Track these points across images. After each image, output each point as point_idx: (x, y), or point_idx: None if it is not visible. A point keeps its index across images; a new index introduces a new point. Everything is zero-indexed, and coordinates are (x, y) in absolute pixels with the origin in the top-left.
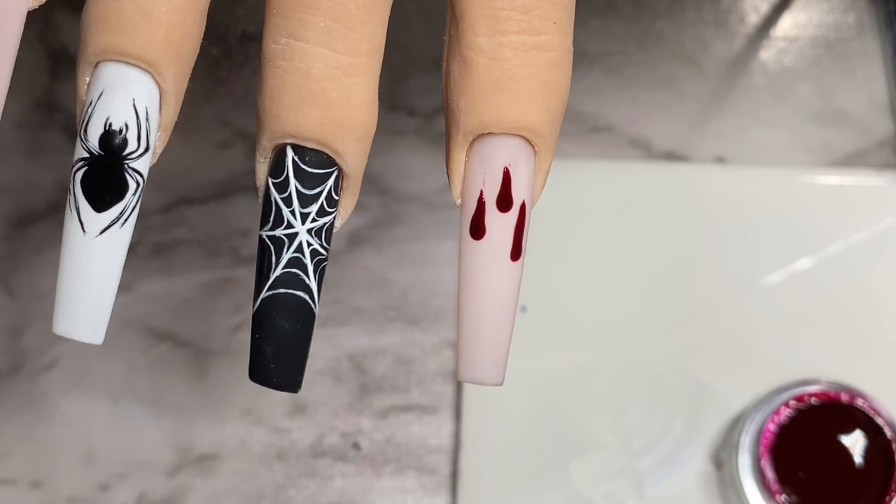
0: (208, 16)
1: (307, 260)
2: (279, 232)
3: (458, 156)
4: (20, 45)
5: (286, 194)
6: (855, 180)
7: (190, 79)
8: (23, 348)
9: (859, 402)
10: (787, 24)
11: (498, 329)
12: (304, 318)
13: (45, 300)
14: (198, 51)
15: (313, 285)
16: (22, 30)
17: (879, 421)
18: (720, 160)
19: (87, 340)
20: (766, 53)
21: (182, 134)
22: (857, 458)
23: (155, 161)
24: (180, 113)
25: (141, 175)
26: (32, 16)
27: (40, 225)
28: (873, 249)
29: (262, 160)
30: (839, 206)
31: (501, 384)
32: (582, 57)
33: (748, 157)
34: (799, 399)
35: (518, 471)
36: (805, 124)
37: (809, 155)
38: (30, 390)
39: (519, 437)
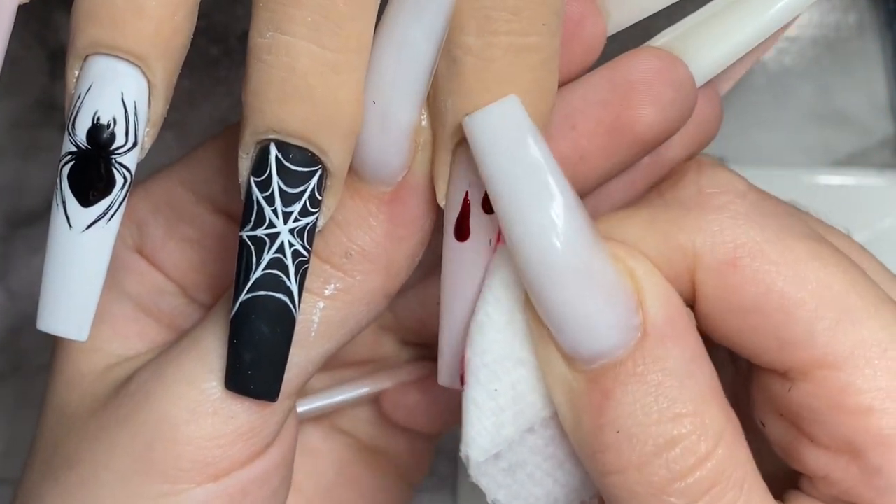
0: (208, 15)
1: (288, 261)
2: (260, 232)
3: (444, 156)
4: (19, 45)
5: (268, 192)
6: (855, 180)
7: (189, 78)
8: (22, 348)
9: None
10: None
11: None
12: (283, 323)
13: None
14: (188, 46)
15: (294, 288)
16: (12, 25)
17: None
18: (720, 160)
19: (71, 337)
20: (767, 53)
21: (181, 134)
22: None
23: (143, 156)
24: (179, 112)
25: (128, 170)
26: (31, 16)
27: (38, 225)
28: (873, 249)
29: (244, 156)
30: (839, 206)
31: None
32: None
33: (749, 157)
34: None
35: None
36: (805, 125)
37: (810, 155)
38: (30, 390)
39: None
